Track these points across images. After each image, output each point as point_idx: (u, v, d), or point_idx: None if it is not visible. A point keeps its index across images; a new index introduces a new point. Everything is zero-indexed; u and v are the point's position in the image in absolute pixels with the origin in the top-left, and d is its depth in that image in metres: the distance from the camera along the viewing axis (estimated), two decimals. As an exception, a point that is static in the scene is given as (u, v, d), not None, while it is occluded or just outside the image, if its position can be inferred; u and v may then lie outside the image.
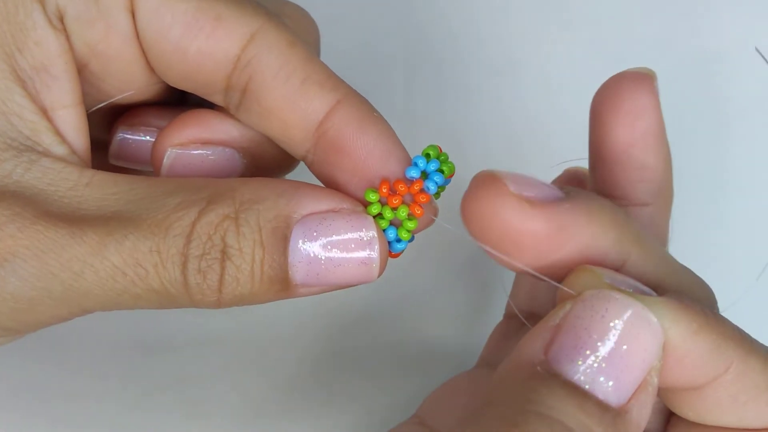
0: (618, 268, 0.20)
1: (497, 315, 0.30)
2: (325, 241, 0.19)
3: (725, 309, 0.21)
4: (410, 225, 0.20)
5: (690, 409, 0.19)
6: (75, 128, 0.20)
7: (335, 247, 0.19)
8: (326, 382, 0.31)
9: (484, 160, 0.35)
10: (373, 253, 0.19)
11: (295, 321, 0.32)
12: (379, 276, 0.20)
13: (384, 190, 0.20)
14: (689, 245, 0.30)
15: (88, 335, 0.31)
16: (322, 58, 0.22)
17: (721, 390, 0.18)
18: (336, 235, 0.19)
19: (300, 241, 0.19)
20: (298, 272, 0.19)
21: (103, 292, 0.19)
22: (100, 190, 0.19)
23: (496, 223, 0.18)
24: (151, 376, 0.31)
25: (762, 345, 0.19)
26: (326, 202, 0.20)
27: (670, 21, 0.37)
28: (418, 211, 0.20)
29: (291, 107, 0.20)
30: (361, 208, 0.20)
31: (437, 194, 0.21)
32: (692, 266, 0.22)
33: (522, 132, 0.35)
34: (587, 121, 0.35)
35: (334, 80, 0.20)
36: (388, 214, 0.20)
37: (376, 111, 0.21)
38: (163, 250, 0.18)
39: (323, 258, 0.19)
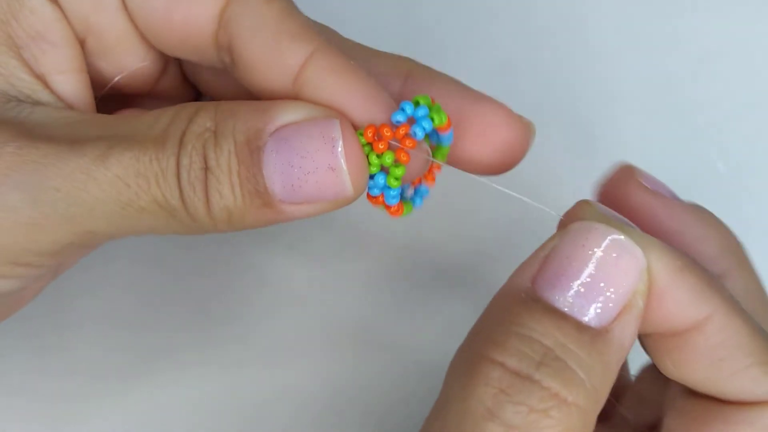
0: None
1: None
2: (294, 148, 0.19)
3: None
4: (397, 172, 0.20)
5: (669, 359, 0.20)
6: (75, 92, 0.21)
7: (303, 154, 0.19)
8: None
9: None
10: (339, 158, 0.19)
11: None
12: (355, 193, 0.19)
13: (369, 135, 0.19)
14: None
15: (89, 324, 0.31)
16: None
17: (701, 340, 0.19)
18: (305, 140, 0.19)
19: (273, 152, 0.19)
20: (275, 184, 0.19)
21: (107, 207, 0.19)
22: (103, 119, 0.20)
23: (626, 196, 0.22)
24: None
25: (750, 315, 0.20)
26: (300, 111, 0.20)
27: (669, 21, 0.37)
28: (404, 157, 0.19)
29: (268, 61, 0.20)
30: (333, 113, 0.20)
31: (443, 154, 0.21)
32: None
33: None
34: (587, 120, 0.35)
35: (309, 33, 0.20)
36: (374, 159, 0.19)
37: (353, 60, 0.21)
38: (162, 159, 0.19)
39: (294, 168, 0.19)
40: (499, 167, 0.22)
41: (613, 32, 0.37)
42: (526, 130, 0.22)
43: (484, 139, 0.22)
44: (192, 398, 0.31)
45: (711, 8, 0.38)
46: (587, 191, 0.24)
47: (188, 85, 0.24)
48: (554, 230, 0.21)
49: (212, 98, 0.24)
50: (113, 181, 0.19)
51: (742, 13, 0.37)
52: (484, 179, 0.21)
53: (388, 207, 0.20)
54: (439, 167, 0.21)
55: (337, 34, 0.24)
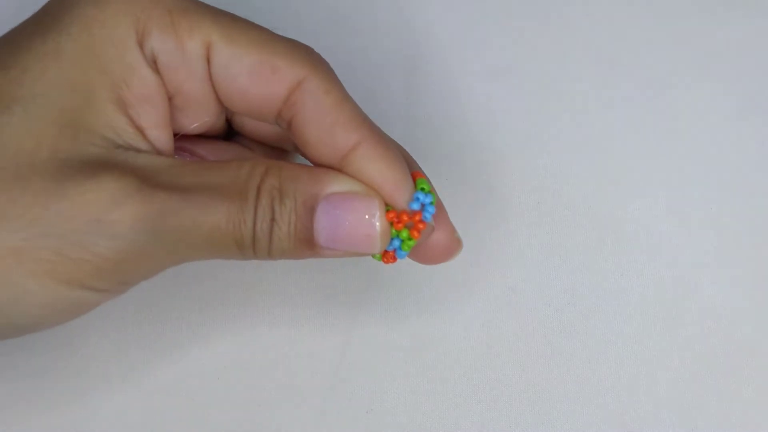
0: None
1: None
2: (341, 215, 0.25)
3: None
4: (410, 243, 0.26)
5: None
6: (164, 141, 0.26)
7: (348, 221, 0.25)
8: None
9: (482, 163, 0.36)
10: (376, 230, 0.25)
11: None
12: (380, 250, 0.26)
13: (391, 215, 0.26)
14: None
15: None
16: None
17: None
18: (350, 211, 0.25)
19: (324, 213, 0.25)
20: (321, 237, 0.25)
21: (202, 243, 0.24)
22: (193, 166, 0.25)
23: None
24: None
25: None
26: (347, 185, 0.25)
27: (666, 24, 0.37)
28: (416, 234, 0.26)
29: (322, 142, 0.26)
30: (372, 193, 0.26)
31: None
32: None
33: (520, 135, 0.36)
34: (584, 124, 0.36)
35: (358, 122, 0.26)
36: (393, 231, 0.26)
37: (392, 146, 0.26)
38: (245, 209, 0.24)
39: (339, 228, 0.25)
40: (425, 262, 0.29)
41: (610, 38, 0.37)
42: (457, 249, 0.28)
43: (423, 253, 0.28)
44: (195, 397, 0.31)
45: (709, 11, 0.38)
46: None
47: (226, 122, 0.29)
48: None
49: (243, 135, 0.30)
50: (212, 226, 0.24)
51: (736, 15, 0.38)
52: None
53: (386, 258, 0.27)
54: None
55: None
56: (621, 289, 0.33)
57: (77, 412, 0.31)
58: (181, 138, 0.28)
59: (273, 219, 0.25)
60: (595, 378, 0.32)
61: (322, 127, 0.25)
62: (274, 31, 0.26)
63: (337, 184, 0.25)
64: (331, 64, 0.26)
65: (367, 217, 0.25)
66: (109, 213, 0.23)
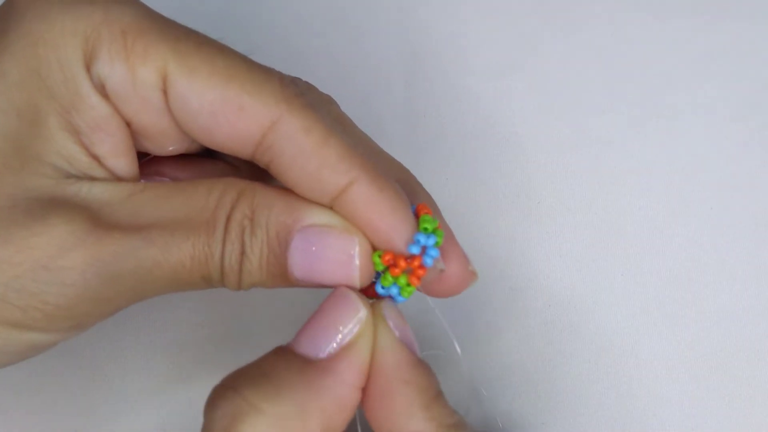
0: None
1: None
2: (317, 252, 0.23)
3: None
4: (410, 289, 0.24)
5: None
6: (126, 169, 0.24)
7: (325, 257, 0.23)
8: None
9: (482, 162, 0.36)
10: (355, 270, 0.23)
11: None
12: (360, 285, 0.23)
13: (387, 259, 0.23)
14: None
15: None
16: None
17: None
18: (327, 248, 0.23)
19: (298, 250, 0.23)
20: (295, 270, 0.23)
21: (165, 281, 0.23)
22: (154, 192, 0.23)
23: None
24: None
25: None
26: (324, 217, 0.23)
27: (667, 24, 0.38)
28: (415, 281, 0.23)
29: (308, 186, 0.23)
30: (352, 229, 0.23)
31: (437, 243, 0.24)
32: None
33: (520, 135, 0.36)
34: (584, 123, 0.36)
35: (347, 161, 0.23)
36: (389, 276, 0.23)
37: (388, 183, 0.23)
38: (212, 244, 0.22)
39: (314, 266, 0.23)
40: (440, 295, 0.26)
41: (610, 37, 0.38)
42: (471, 281, 0.26)
43: (434, 287, 0.25)
44: (197, 398, 0.31)
45: (708, 11, 0.38)
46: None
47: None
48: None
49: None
50: (175, 264, 0.22)
51: (744, 14, 0.38)
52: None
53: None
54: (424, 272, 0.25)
55: (351, 123, 0.26)
56: (621, 289, 0.33)
57: (77, 412, 0.31)
58: (153, 158, 0.26)
59: (243, 252, 0.23)
60: (595, 378, 0.32)
61: (306, 171, 0.23)
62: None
63: (315, 216, 0.23)
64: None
65: (345, 256, 0.23)
66: (57, 259, 0.21)
